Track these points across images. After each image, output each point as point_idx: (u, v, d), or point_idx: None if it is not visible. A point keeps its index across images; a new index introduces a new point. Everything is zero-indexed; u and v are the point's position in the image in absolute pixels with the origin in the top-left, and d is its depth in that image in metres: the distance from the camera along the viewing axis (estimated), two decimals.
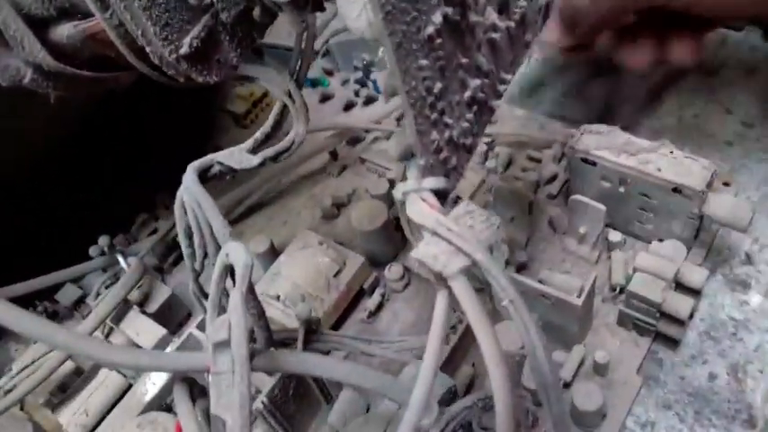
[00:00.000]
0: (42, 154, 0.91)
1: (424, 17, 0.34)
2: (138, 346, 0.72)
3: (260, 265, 0.78)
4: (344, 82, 1.04)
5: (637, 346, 0.65)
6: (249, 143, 0.51)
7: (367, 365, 0.56)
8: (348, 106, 1.00)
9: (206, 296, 0.51)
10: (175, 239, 0.85)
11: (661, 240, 0.67)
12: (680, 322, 0.62)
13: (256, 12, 0.43)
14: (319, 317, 0.63)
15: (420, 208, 0.38)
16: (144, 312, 0.75)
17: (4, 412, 0.66)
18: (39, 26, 0.46)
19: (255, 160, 0.50)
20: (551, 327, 0.65)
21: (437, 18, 0.35)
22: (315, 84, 1.05)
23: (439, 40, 0.36)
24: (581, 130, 0.69)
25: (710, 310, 0.66)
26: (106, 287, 0.78)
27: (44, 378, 0.66)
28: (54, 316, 0.82)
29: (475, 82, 0.40)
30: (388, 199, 0.78)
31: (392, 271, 0.75)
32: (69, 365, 0.70)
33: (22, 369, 0.68)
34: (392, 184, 0.80)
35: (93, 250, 0.79)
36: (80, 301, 0.83)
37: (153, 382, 0.66)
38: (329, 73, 1.07)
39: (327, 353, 0.61)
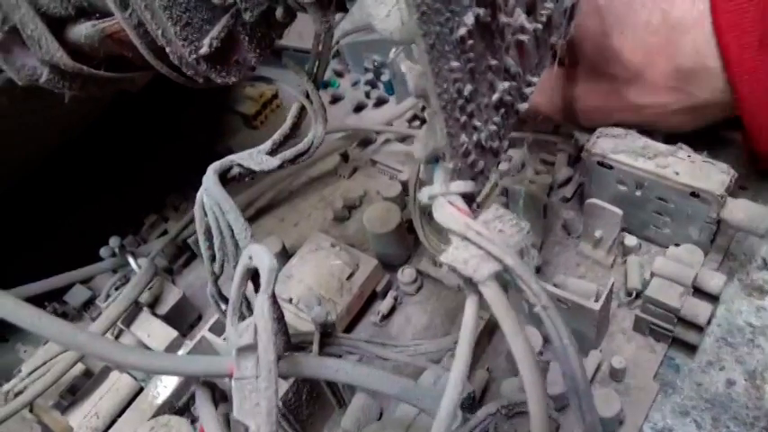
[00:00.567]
0: (52, 155, 0.91)
1: (456, 18, 0.34)
2: (149, 349, 0.71)
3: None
4: (355, 83, 1.04)
5: (653, 351, 0.64)
6: (268, 145, 0.50)
7: (381, 369, 0.55)
8: (358, 108, 1.00)
9: (224, 299, 0.50)
10: (186, 241, 0.85)
11: (677, 245, 0.66)
12: (698, 328, 0.61)
13: (279, 12, 0.43)
14: (334, 320, 0.62)
15: (449, 212, 0.38)
16: (154, 314, 0.74)
17: (14, 415, 0.65)
18: (56, 25, 0.46)
19: (275, 162, 0.49)
20: None
21: (469, 19, 0.34)
22: (325, 85, 1.04)
23: (470, 42, 0.35)
24: (597, 134, 0.69)
25: (727, 315, 0.65)
26: (116, 289, 0.77)
27: (54, 381, 0.66)
28: (63, 317, 0.81)
29: (503, 84, 0.40)
30: (401, 201, 0.77)
31: (405, 274, 0.74)
32: (79, 367, 0.70)
33: (32, 371, 0.68)
34: (404, 186, 0.80)
35: (103, 251, 0.79)
36: (89, 303, 0.82)
37: (164, 385, 0.65)
38: (339, 74, 1.06)
39: (341, 356, 0.60)
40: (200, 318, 0.79)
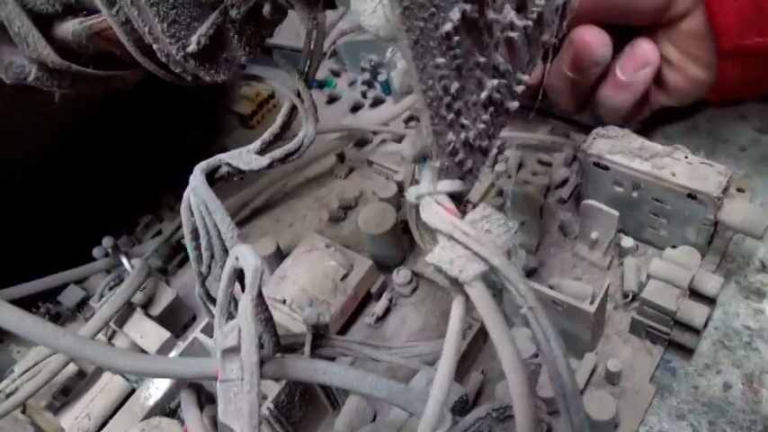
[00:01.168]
0: (46, 154, 0.91)
1: (441, 14, 0.33)
2: (142, 350, 0.71)
3: (266, 267, 0.77)
4: (352, 83, 1.03)
5: (649, 354, 0.64)
6: (257, 144, 0.50)
7: (374, 371, 0.55)
8: (355, 108, 0.99)
9: (212, 300, 0.50)
10: (180, 241, 0.85)
11: (674, 247, 0.66)
12: (695, 331, 0.61)
13: (266, 8, 0.42)
14: (327, 322, 0.62)
15: (435, 212, 0.37)
16: (148, 315, 0.74)
17: (6, 415, 0.65)
18: (43, 23, 0.45)
19: (264, 161, 0.49)
20: (562, 334, 0.62)
21: (455, 15, 0.34)
22: (322, 85, 1.04)
23: (456, 38, 0.35)
24: (593, 134, 0.68)
25: (725, 318, 0.65)
26: (110, 289, 0.77)
27: (46, 381, 0.65)
28: (56, 318, 0.82)
29: (492, 82, 0.39)
30: (396, 202, 0.77)
31: (400, 275, 0.74)
32: (72, 368, 0.70)
33: (24, 372, 0.68)
34: (400, 186, 0.79)
35: (96, 251, 0.78)
36: (83, 303, 0.82)
37: (156, 387, 0.65)
38: (336, 74, 1.06)
39: (334, 358, 0.60)
40: (194, 319, 0.78)
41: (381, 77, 0.98)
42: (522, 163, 0.83)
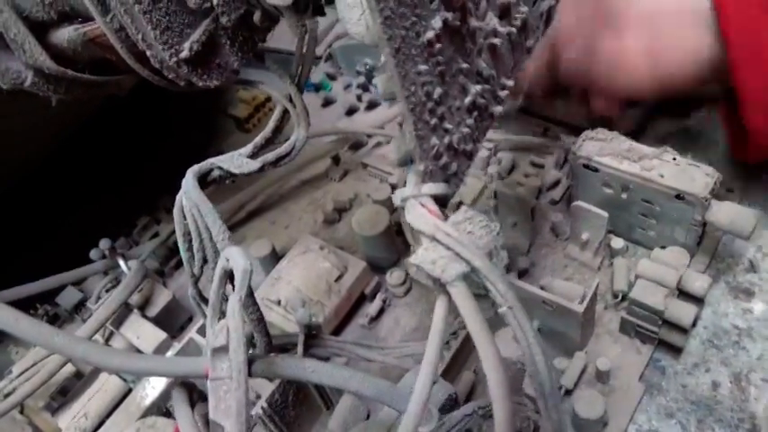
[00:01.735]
0: (44, 156, 0.91)
1: (423, 22, 0.34)
2: (139, 350, 0.72)
3: (261, 269, 0.78)
4: (347, 86, 1.04)
5: (639, 353, 0.64)
6: (249, 148, 0.51)
7: (367, 371, 0.56)
8: (351, 111, 1.00)
9: (205, 301, 0.51)
10: (177, 243, 0.85)
11: (663, 247, 0.66)
12: (682, 330, 0.61)
13: (257, 16, 0.43)
14: (320, 322, 0.62)
15: (419, 213, 0.38)
16: (144, 316, 0.75)
17: (4, 415, 0.65)
18: (39, 30, 0.46)
19: (255, 165, 0.49)
20: (553, 333, 0.64)
21: (437, 23, 0.35)
22: (318, 88, 1.05)
23: (439, 45, 0.36)
24: (583, 137, 0.69)
25: (713, 317, 0.66)
26: (107, 291, 0.78)
27: (44, 382, 0.66)
28: (54, 319, 0.82)
29: (475, 87, 0.40)
30: (390, 204, 0.78)
31: (393, 276, 0.74)
32: (70, 369, 0.70)
33: (23, 372, 0.68)
34: (394, 189, 0.80)
35: (94, 253, 0.79)
36: (81, 305, 0.83)
37: (153, 387, 0.66)
38: (332, 77, 1.07)
39: (327, 358, 0.61)
40: (190, 320, 0.79)
41: (376, 81, 0.99)
42: (515, 165, 0.84)
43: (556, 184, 0.80)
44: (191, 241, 0.48)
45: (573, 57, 0.71)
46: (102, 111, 0.92)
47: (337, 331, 0.72)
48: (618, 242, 0.70)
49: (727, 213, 0.63)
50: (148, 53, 0.43)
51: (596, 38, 0.69)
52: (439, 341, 0.36)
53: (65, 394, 0.70)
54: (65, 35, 0.46)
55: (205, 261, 0.48)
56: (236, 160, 0.49)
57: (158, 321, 0.75)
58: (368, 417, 0.63)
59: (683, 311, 0.60)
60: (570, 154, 0.69)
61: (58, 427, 0.68)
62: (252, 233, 0.88)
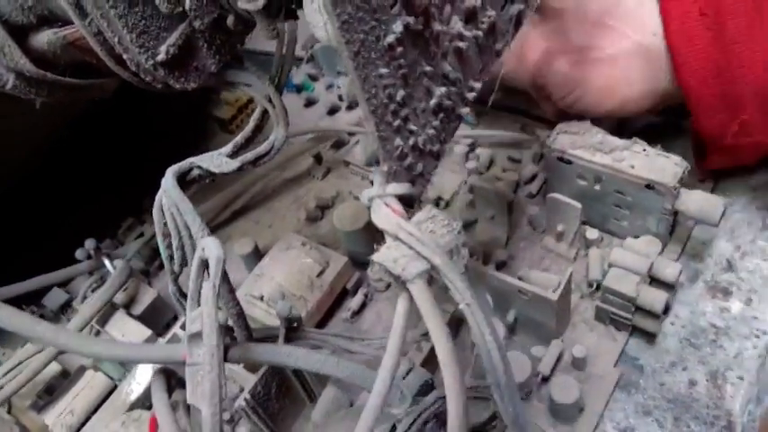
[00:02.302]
0: (29, 158, 0.92)
1: (383, 26, 0.35)
2: None
3: (244, 266, 0.79)
4: (329, 87, 1.05)
5: (614, 340, 0.66)
6: (229, 147, 0.52)
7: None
8: (332, 110, 1.01)
9: (185, 297, 0.52)
10: None
11: (637, 237, 0.68)
12: (655, 316, 0.63)
13: (230, 20, 0.44)
14: (300, 314, 0.64)
15: (383, 213, 0.40)
16: (130, 314, 0.75)
17: None
18: (19, 33, 0.47)
19: (234, 164, 0.50)
20: (530, 323, 0.66)
21: (397, 27, 0.36)
22: (300, 89, 1.06)
23: (400, 49, 0.36)
24: (557, 130, 0.70)
25: (691, 317, 0.67)
26: (92, 291, 0.78)
27: (29, 378, 0.67)
28: None
29: (440, 90, 0.41)
30: None
31: (374, 271, 0.75)
32: (56, 368, 0.71)
33: (8, 371, 0.69)
34: None
35: (79, 253, 0.80)
36: (67, 305, 0.83)
37: (138, 383, 0.67)
38: (314, 78, 1.08)
39: None
40: (175, 318, 0.80)
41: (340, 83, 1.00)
42: (493, 160, 0.86)
43: (533, 178, 0.82)
44: (170, 240, 0.49)
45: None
46: (87, 113, 0.93)
47: (320, 326, 0.74)
48: (592, 233, 0.72)
49: (696, 201, 0.65)
50: (125, 56, 0.44)
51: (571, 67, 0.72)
52: (400, 337, 0.38)
53: (51, 393, 0.71)
54: (44, 38, 0.47)
55: (184, 259, 0.49)
56: (215, 159, 0.50)
57: (143, 319, 0.75)
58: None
59: (654, 298, 0.62)
60: (545, 147, 0.70)
61: (44, 424, 0.69)
62: (236, 232, 0.89)
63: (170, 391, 0.50)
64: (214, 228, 0.89)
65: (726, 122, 0.66)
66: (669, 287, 0.64)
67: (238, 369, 0.60)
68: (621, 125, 0.78)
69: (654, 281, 0.64)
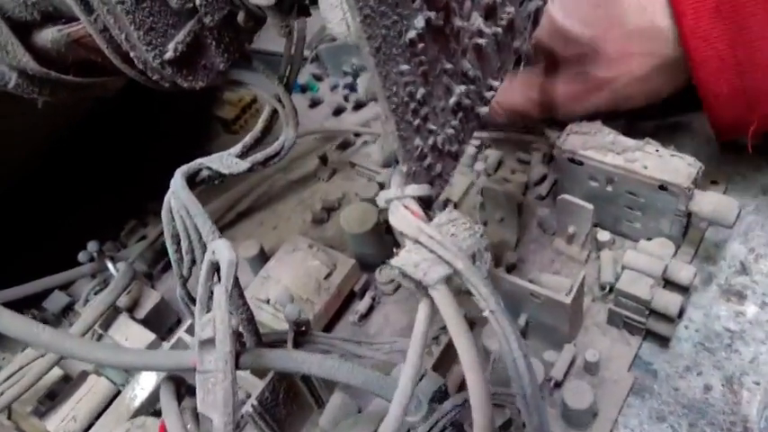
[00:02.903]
0: (31, 160, 0.91)
1: (405, 21, 0.34)
2: None
3: (250, 269, 0.78)
4: (334, 87, 1.04)
5: (627, 344, 0.65)
6: (238, 148, 0.51)
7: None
8: (338, 111, 1.00)
9: (194, 301, 0.51)
10: (165, 245, 0.85)
11: (649, 239, 0.67)
12: (669, 319, 0.62)
13: (241, 16, 0.43)
14: (308, 318, 0.63)
15: (402, 215, 0.38)
16: (133, 318, 0.74)
17: None
18: (22, 30, 0.46)
19: (244, 165, 0.49)
20: (542, 327, 0.65)
21: (419, 22, 0.35)
22: (304, 89, 1.05)
23: (421, 45, 0.35)
24: (567, 131, 0.69)
25: (706, 320, 0.65)
26: (95, 294, 0.77)
27: (31, 384, 0.65)
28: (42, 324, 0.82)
29: (460, 88, 0.40)
30: None
31: (383, 274, 0.75)
32: (57, 372, 0.70)
33: (9, 377, 0.68)
34: (382, 187, 0.80)
35: (82, 255, 0.79)
36: (68, 309, 0.82)
37: (142, 388, 0.66)
38: (318, 78, 1.07)
39: None
40: (179, 322, 0.79)
41: (359, 81, 0.99)
42: (502, 161, 0.84)
43: (542, 179, 0.81)
44: (179, 242, 0.47)
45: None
46: (89, 113, 0.92)
47: (327, 329, 0.73)
48: (604, 235, 0.71)
49: (710, 203, 0.64)
50: (132, 54, 0.43)
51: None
52: (421, 344, 0.36)
53: (53, 398, 0.70)
54: (48, 36, 0.46)
55: (194, 262, 0.48)
56: (225, 160, 0.49)
57: (147, 323, 0.74)
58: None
59: (669, 301, 0.61)
60: (555, 148, 0.69)
61: (46, 430, 0.67)
62: (240, 234, 0.88)
63: (179, 399, 0.48)
64: (218, 230, 0.88)
65: (745, 116, 0.65)
66: (684, 290, 0.63)
67: (245, 374, 0.59)
68: (632, 126, 0.77)
69: (668, 284, 0.63)
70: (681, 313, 0.63)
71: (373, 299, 0.75)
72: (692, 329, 0.65)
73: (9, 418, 0.70)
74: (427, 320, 0.37)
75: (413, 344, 0.37)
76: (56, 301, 0.81)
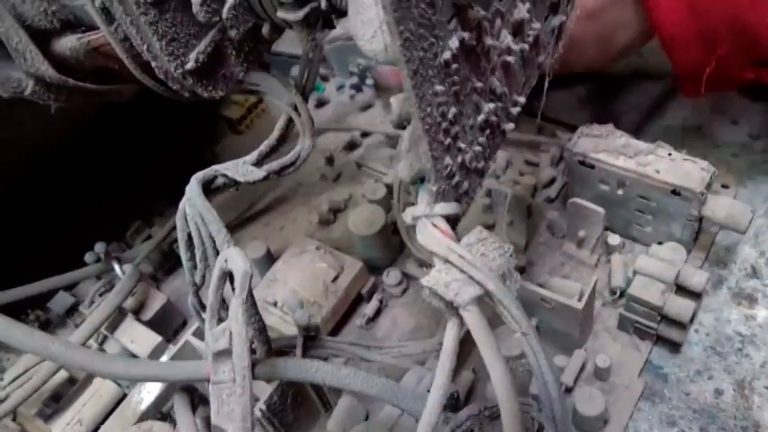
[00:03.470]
0: (37, 161, 0.90)
1: (441, 42, 0.34)
2: (133, 355, 0.71)
3: (256, 271, 0.78)
4: (340, 87, 1.03)
5: (638, 350, 0.65)
6: (254, 156, 0.50)
7: (366, 371, 0.56)
8: (343, 112, 1.00)
9: (205, 309, 0.50)
10: (171, 246, 0.85)
11: (660, 243, 0.67)
12: (681, 325, 0.62)
13: (265, 29, 0.43)
14: (318, 323, 0.62)
15: (431, 234, 0.38)
16: (139, 320, 0.74)
17: None
18: (41, 38, 0.46)
19: (260, 173, 0.49)
20: (552, 331, 0.64)
21: (454, 43, 0.34)
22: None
23: (455, 65, 0.35)
24: (578, 133, 0.69)
25: (716, 324, 0.65)
26: (100, 295, 0.77)
27: (36, 388, 0.65)
28: (46, 325, 0.81)
29: (489, 106, 0.40)
30: (386, 204, 0.78)
31: (390, 276, 0.74)
32: (63, 375, 0.69)
33: (14, 379, 0.67)
34: (389, 188, 0.80)
35: (88, 256, 0.78)
36: (73, 310, 0.82)
37: (148, 391, 0.65)
38: (325, 78, 1.06)
39: (326, 359, 0.61)
40: (185, 323, 0.78)
41: (369, 81, 0.99)
42: (510, 163, 0.84)
43: (551, 182, 0.80)
44: (193, 249, 0.47)
45: None
46: (96, 116, 0.91)
47: (335, 332, 0.72)
48: (615, 239, 0.70)
49: (723, 208, 0.63)
50: (153, 64, 0.43)
51: None
52: (450, 365, 0.36)
53: (58, 400, 0.69)
54: (68, 44, 0.45)
55: (207, 270, 0.47)
56: (240, 168, 0.48)
57: (153, 325, 0.74)
58: (366, 418, 0.63)
59: (681, 307, 0.61)
60: (566, 151, 0.69)
61: None
62: (246, 236, 0.87)
63: (194, 409, 0.48)
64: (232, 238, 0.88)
65: (702, 59, 0.66)
66: (695, 296, 0.62)
67: None
68: (641, 129, 0.77)
69: (680, 289, 0.63)
70: (692, 319, 0.63)
71: (381, 302, 0.74)
72: (702, 333, 0.65)
73: (14, 420, 0.70)
74: (456, 340, 0.37)
75: (441, 364, 0.36)
76: (61, 301, 0.81)
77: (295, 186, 0.92)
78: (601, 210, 0.67)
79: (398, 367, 0.61)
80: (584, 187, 0.70)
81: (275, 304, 0.70)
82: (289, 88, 0.50)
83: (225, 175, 0.49)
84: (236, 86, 0.48)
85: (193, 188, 0.47)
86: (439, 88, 0.35)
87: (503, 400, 0.36)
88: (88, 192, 0.95)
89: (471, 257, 0.37)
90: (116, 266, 0.78)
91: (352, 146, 0.93)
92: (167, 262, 0.86)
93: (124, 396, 0.68)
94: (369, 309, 0.73)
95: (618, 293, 0.68)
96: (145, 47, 0.41)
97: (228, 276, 0.44)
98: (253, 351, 0.51)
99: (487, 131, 0.41)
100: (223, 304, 0.46)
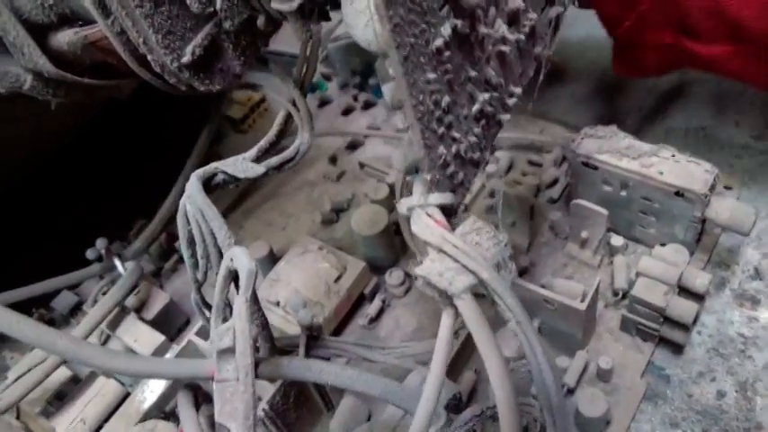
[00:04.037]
0: (37, 161, 0.90)
1: (432, 29, 0.34)
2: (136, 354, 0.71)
3: (259, 270, 0.78)
4: (343, 86, 1.04)
5: (640, 351, 0.65)
6: (253, 152, 0.50)
7: (369, 371, 0.55)
8: (347, 111, 1.00)
9: (208, 306, 0.50)
10: (173, 245, 0.85)
11: (663, 245, 0.66)
12: (684, 327, 0.61)
13: (260, 21, 0.42)
14: (321, 323, 0.62)
15: (425, 224, 0.38)
16: (141, 319, 0.74)
17: None
18: (39, 33, 0.45)
19: (260, 169, 0.49)
20: (554, 332, 0.64)
21: (446, 30, 0.34)
22: (313, 88, 1.04)
23: (447, 53, 0.35)
24: (582, 134, 0.69)
25: (719, 326, 0.65)
26: (103, 294, 0.77)
27: (38, 382, 0.65)
28: (50, 324, 0.81)
29: (483, 95, 0.40)
30: (389, 204, 0.77)
31: (393, 276, 0.74)
32: (66, 373, 0.70)
33: (19, 377, 0.67)
34: (392, 188, 0.80)
35: (90, 253, 0.78)
36: (77, 309, 0.82)
37: (151, 390, 0.65)
38: (328, 78, 1.06)
39: (328, 359, 0.60)
40: (187, 322, 0.78)
41: (372, 81, 0.99)
42: (513, 164, 0.84)
43: (554, 182, 0.80)
44: (194, 246, 0.47)
45: None
46: (97, 114, 0.91)
47: (337, 332, 0.72)
48: (618, 240, 0.70)
49: (727, 210, 0.63)
50: (150, 57, 0.42)
51: None
52: (445, 354, 0.36)
53: (61, 399, 0.69)
54: (65, 38, 0.45)
55: (208, 267, 0.47)
56: (240, 164, 0.48)
57: (155, 324, 0.74)
58: (369, 418, 0.63)
59: (684, 308, 0.61)
60: (569, 152, 0.69)
61: None
62: (249, 235, 0.87)
63: (197, 407, 0.48)
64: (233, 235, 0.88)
65: (624, 13, 0.67)
66: (698, 297, 0.62)
67: None
68: (644, 130, 0.76)
69: (683, 291, 0.63)
70: (695, 320, 0.63)
71: (383, 302, 0.74)
72: (705, 335, 0.65)
73: (18, 418, 0.70)
74: (451, 329, 0.37)
75: (437, 353, 0.36)
76: (64, 300, 0.81)
77: (298, 186, 0.92)
78: (604, 211, 0.67)
79: (401, 367, 0.61)
80: (588, 188, 0.70)
81: (278, 304, 0.70)
82: (287, 83, 0.50)
83: (225, 172, 0.49)
84: (235, 81, 0.48)
85: (194, 185, 0.47)
86: (431, 76, 0.35)
87: (497, 386, 0.36)
88: (89, 191, 0.95)
89: (465, 247, 0.36)
90: (118, 263, 0.78)
91: (354, 145, 0.93)
92: (169, 260, 0.86)
93: (127, 395, 0.68)
94: (371, 309, 0.73)
95: (621, 295, 0.67)
96: (141, 40, 0.41)
97: (234, 276, 0.44)
98: (257, 350, 0.51)
99: (483, 122, 0.41)
100: (227, 304, 0.46)
